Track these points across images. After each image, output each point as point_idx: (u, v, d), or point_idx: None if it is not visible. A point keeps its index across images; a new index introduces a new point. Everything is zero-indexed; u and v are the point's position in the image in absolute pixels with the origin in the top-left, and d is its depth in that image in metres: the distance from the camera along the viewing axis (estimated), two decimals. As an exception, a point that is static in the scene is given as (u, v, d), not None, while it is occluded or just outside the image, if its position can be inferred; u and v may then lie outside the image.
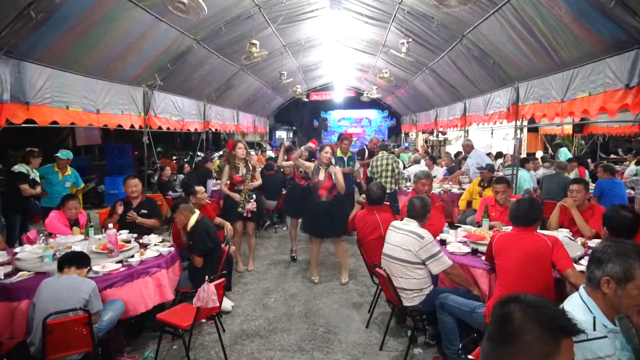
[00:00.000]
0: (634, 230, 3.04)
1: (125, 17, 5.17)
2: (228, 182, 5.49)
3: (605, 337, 1.70)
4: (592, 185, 6.73)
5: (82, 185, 6.81)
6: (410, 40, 6.61)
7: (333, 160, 5.37)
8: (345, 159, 6.80)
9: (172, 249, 3.98)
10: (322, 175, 5.17)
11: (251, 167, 5.55)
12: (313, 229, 5.31)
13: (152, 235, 4.39)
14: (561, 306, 1.89)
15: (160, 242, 4.23)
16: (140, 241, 4.22)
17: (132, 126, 6.83)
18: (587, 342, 1.66)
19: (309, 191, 5.52)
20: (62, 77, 5.13)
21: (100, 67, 5.77)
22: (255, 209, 5.47)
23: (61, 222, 4.52)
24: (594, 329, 1.72)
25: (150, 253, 3.79)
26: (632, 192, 7.38)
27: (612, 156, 13.56)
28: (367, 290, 5.01)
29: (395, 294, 3.44)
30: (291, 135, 22.01)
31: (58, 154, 6.33)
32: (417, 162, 9.34)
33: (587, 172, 8.80)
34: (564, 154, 9.68)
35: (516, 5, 4.99)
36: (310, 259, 5.52)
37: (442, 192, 6.41)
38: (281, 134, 21.73)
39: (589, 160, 11.71)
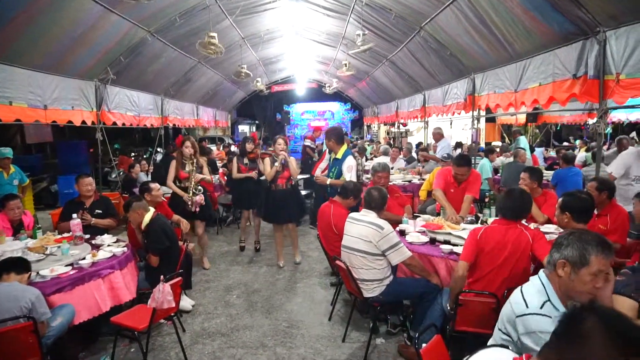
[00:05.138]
0: (592, 210, 3.17)
1: (73, 7, 4.91)
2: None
3: (547, 316, 1.78)
4: (548, 173, 7.03)
5: (27, 181, 6.48)
6: (366, 32, 6.60)
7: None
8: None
9: (126, 249, 3.84)
10: (278, 164, 5.46)
11: (201, 165, 5.50)
12: (274, 216, 5.62)
13: (105, 236, 4.22)
14: (522, 286, 1.99)
15: (114, 242, 4.07)
16: (93, 242, 4.05)
17: (83, 122, 6.53)
18: (530, 315, 1.81)
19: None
20: (4, 70, 4.82)
21: (47, 61, 5.47)
22: (203, 203, 5.43)
23: (1, 225, 4.26)
24: (541, 308, 1.82)
25: (102, 254, 3.65)
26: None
27: (565, 144, 14.11)
28: (329, 285, 5.01)
29: (355, 285, 3.45)
30: (254, 129, 21.75)
31: None
32: (385, 153, 9.45)
33: (540, 159, 9.09)
34: (523, 142, 9.96)
35: (470, -3, 5.07)
36: (276, 245, 5.82)
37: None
38: (244, 128, 21.44)
39: (544, 148, 12.15)
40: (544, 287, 1.90)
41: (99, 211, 4.67)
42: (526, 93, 5.26)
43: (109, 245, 3.93)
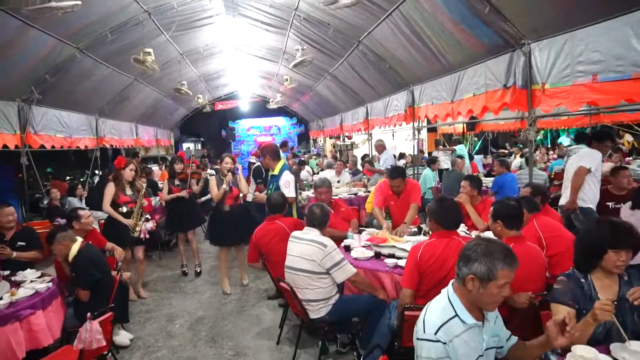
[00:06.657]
0: (522, 216, 3.22)
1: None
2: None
3: (441, 342, 1.80)
4: (487, 180, 7.27)
5: None
6: (305, 47, 6.60)
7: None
8: None
9: (52, 284, 3.50)
10: (226, 186, 5.21)
11: (142, 189, 5.13)
12: (221, 238, 5.30)
13: (27, 271, 3.83)
14: (430, 302, 2.00)
15: (39, 277, 3.71)
16: (13, 279, 3.67)
17: (5, 146, 6.03)
18: (424, 341, 1.83)
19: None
20: None
21: (-42, 82, 5.03)
22: (154, 229, 5.16)
23: None
24: (435, 334, 1.82)
25: (23, 292, 3.30)
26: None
27: (501, 150, 14.78)
28: (277, 306, 4.85)
29: (301, 307, 3.33)
30: (199, 146, 21.21)
31: None
32: (330, 167, 9.48)
33: (480, 167, 9.43)
34: (460, 149, 10.31)
35: (404, 12, 5.18)
36: (220, 270, 5.44)
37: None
38: (189, 145, 20.83)
39: (482, 156, 12.65)
40: (451, 303, 1.92)
41: (22, 243, 4.27)
42: (461, 103, 5.42)
43: (31, 282, 3.58)
